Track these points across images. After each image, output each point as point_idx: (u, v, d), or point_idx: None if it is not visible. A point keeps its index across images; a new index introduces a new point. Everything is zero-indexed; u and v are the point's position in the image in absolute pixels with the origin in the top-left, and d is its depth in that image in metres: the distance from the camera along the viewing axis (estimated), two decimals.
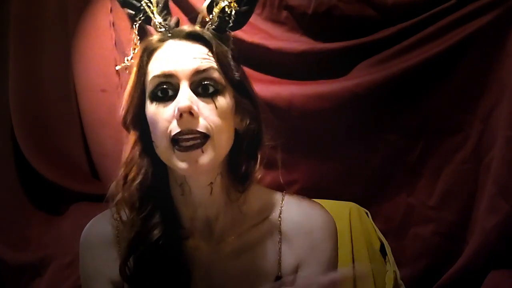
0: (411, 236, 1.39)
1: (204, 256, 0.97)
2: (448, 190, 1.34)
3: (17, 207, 1.73)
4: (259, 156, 0.95)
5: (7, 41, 1.75)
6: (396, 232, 1.40)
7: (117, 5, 1.66)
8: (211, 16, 0.95)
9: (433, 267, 1.35)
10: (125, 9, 1.00)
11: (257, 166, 0.94)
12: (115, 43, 1.65)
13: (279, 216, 0.99)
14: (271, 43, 1.43)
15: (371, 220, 1.37)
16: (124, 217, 0.95)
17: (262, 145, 0.96)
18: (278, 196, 1.02)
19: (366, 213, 1.38)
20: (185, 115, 0.86)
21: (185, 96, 0.86)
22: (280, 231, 0.98)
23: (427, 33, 1.32)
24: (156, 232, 0.92)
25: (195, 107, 0.86)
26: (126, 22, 1.63)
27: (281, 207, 1.00)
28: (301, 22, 1.43)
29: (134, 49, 0.97)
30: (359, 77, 1.38)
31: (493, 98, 1.29)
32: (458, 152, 1.34)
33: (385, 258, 1.34)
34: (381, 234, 1.36)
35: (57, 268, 1.57)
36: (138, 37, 0.98)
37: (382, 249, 1.35)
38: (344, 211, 1.34)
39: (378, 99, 1.36)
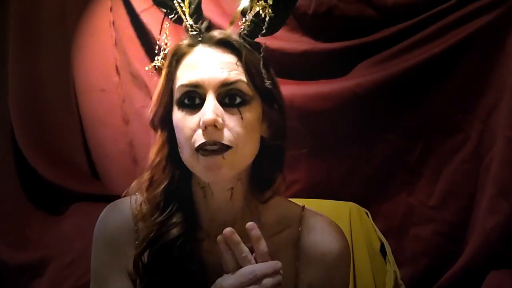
0: (411, 236, 1.39)
1: (217, 259, 0.96)
2: (448, 190, 1.35)
3: (17, 207, 1.72)
4: (284, 166, 0.94)
5: (7, 41, 1.74)
6: (396, 232, 1.40)
7: (117, 4, 1.69)
8: (244, 20, 0.92)
9: (433, 267, 1.35)
10: (159, 7, 0.97)
11: (281, 175, 0.94)
12: (115, 43, 1.65)
13: (298, 231, 0.97)
14: (272, 43, 1.42)
15: (371, 220, 1.37)
16: (144, 208, 0.94)
17: (285, 154, 0.95)
18: (297, 209, 1.00)
19: (366, 213, 1.38)
20: (209, 127, 0.85)
21: (211, 108, 0.85)
22: (298, 246, 0.97)
23: (427, 33, 1.33)
24: (175, 232, 0.91)
25: (220, 120, 0.85)
26: (126, 21, 1.64)
27: (300, 221, 0.98)
28: (301, 22, 1.43)
29: (165, 49, 0.95)
30: (360, 77, 1.38)
31: (493, 98, 1.29)
32: (458, 152, 1.34)
33: (385, 258, 1.34)
34: (381, 234, 1.36)
35: (57, 268, 1.57)
36: (169, 38, 0.96)
37: (382, 249, 1.35)
38: (344, 211, 1.34)
39: (378, 99, 1.36)
